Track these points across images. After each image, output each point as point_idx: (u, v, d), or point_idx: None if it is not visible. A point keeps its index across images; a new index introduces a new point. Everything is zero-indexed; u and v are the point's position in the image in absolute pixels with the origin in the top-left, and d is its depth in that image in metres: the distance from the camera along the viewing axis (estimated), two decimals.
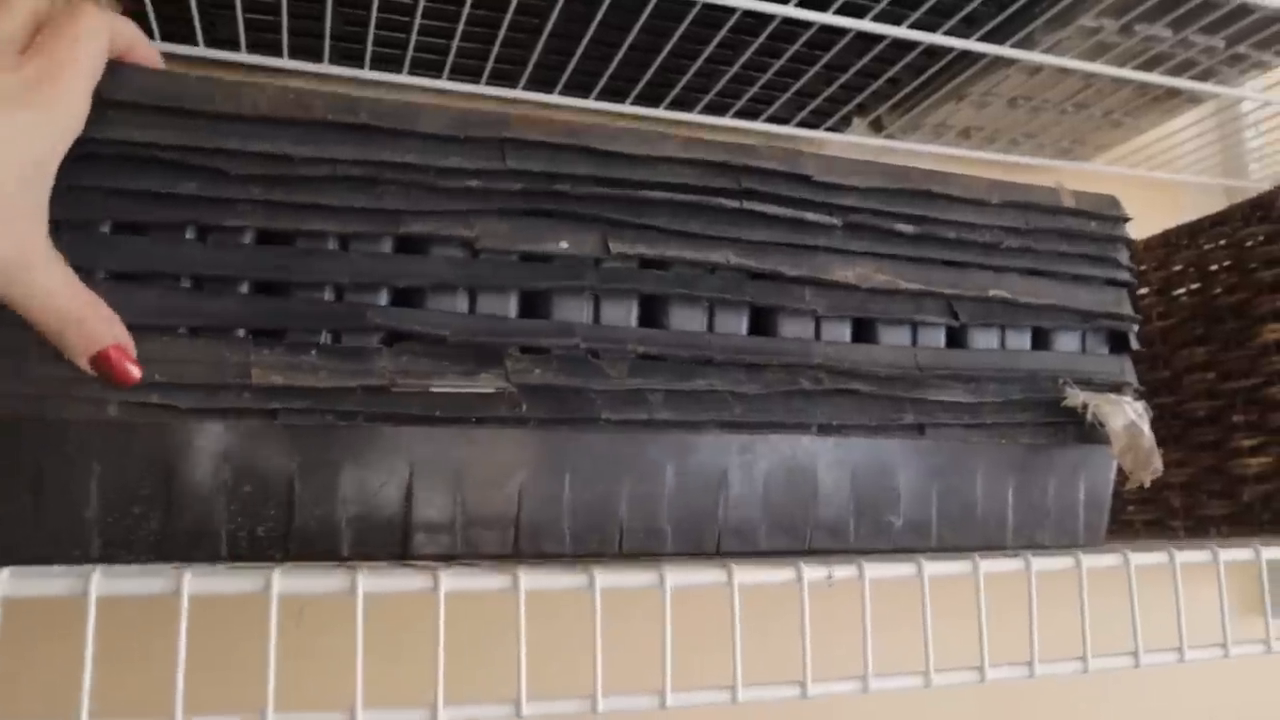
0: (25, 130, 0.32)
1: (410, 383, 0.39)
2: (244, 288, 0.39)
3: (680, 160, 0.44)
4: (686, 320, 0.44)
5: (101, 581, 0.32)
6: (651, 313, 0.44)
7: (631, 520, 0.43)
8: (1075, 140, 0.90)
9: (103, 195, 0.37)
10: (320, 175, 0.39)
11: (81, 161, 0.35)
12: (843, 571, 0.40)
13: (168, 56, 0.68)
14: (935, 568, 0.41)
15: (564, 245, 0.42)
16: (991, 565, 0.43)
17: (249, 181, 0.38)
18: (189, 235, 0.38)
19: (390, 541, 0.40)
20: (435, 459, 0.40)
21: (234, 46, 0.68)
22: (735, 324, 0.45)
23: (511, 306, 0.42)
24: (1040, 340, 0.52)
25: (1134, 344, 0.54)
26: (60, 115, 0.33)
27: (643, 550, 0.43)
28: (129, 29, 0.37)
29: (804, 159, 0.47)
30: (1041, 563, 0.44)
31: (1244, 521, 0.65)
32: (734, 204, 0.45)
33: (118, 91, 0.36)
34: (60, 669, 0.36)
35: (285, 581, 0.33)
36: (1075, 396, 0.50)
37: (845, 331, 0.48)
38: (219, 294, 0.38)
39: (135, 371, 0.35)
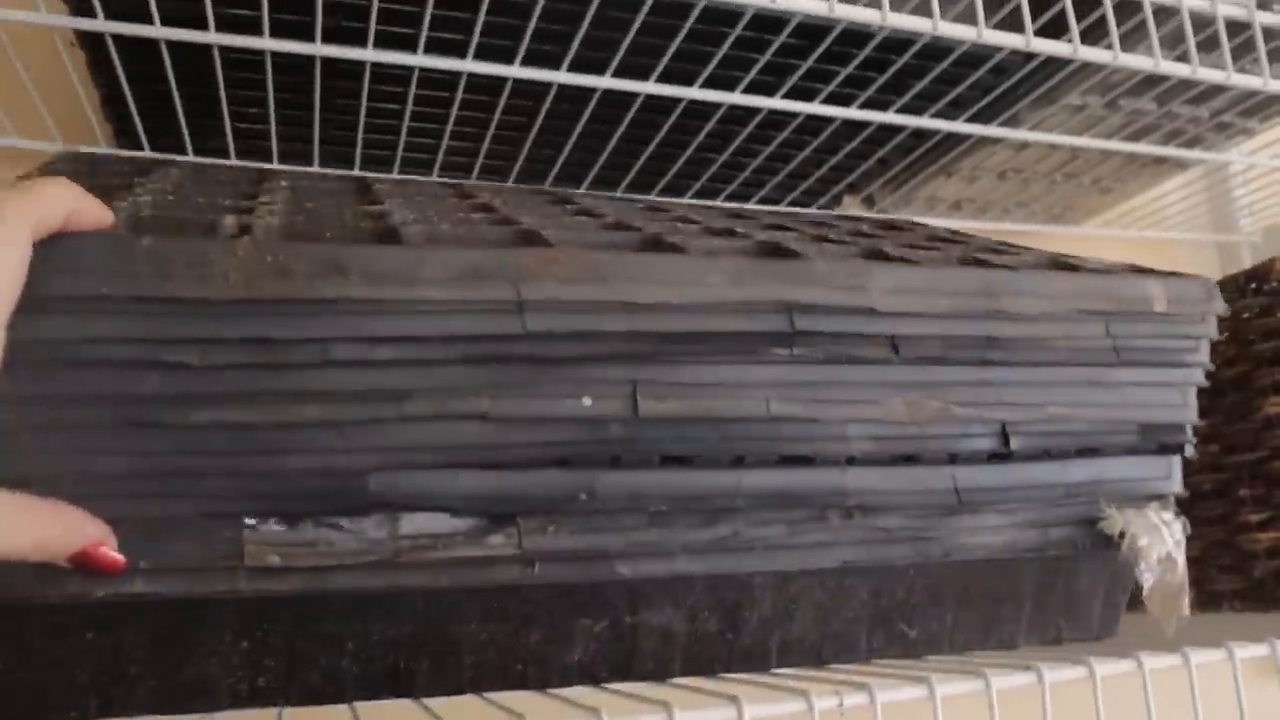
0: None
1: (416, 556, 0.36)
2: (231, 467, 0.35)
3: (725, 304, 0.39)
4: (712, 476, 0.40)
5: None
6: (675, 461, 0.40)
7: (641, 648, 0.42)
8: (1066, 206, 0.90)
9: (54, 402, 0.33)
10: (310, 361, 0.34)
11: (19, 368, 0.31)
12: (854, 699, 0.39)
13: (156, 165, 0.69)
14: (948, 688, 0.41)
15: (587, 403, 0.38)
16: (1004, 681, 0.42)
17: (223, 370, 0.34)
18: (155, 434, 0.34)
19: (394, 688, 0.39)
20: (441, 617, 0.39)
21: (223, 154, 0.68)
22: (764, 465, 0.41)
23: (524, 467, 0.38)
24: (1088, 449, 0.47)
25: (1189, 450, 0.49)
26: None
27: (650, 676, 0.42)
28: (59, 195, 0.31)
29: (867, 283, 0.41)
30: (1054, 674, 0.43)
31: (1256, 597, 0.64)
32: (784, 352, 0.40)
33: (51, 284, 0.31)
34: None
35: None
36: (1114, 521, 0.46)
37: (883, 464, 0.43)
38: (202, 478, 0.34)
39: (119, 560, 0.33)
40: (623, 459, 0.39)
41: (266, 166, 0.68)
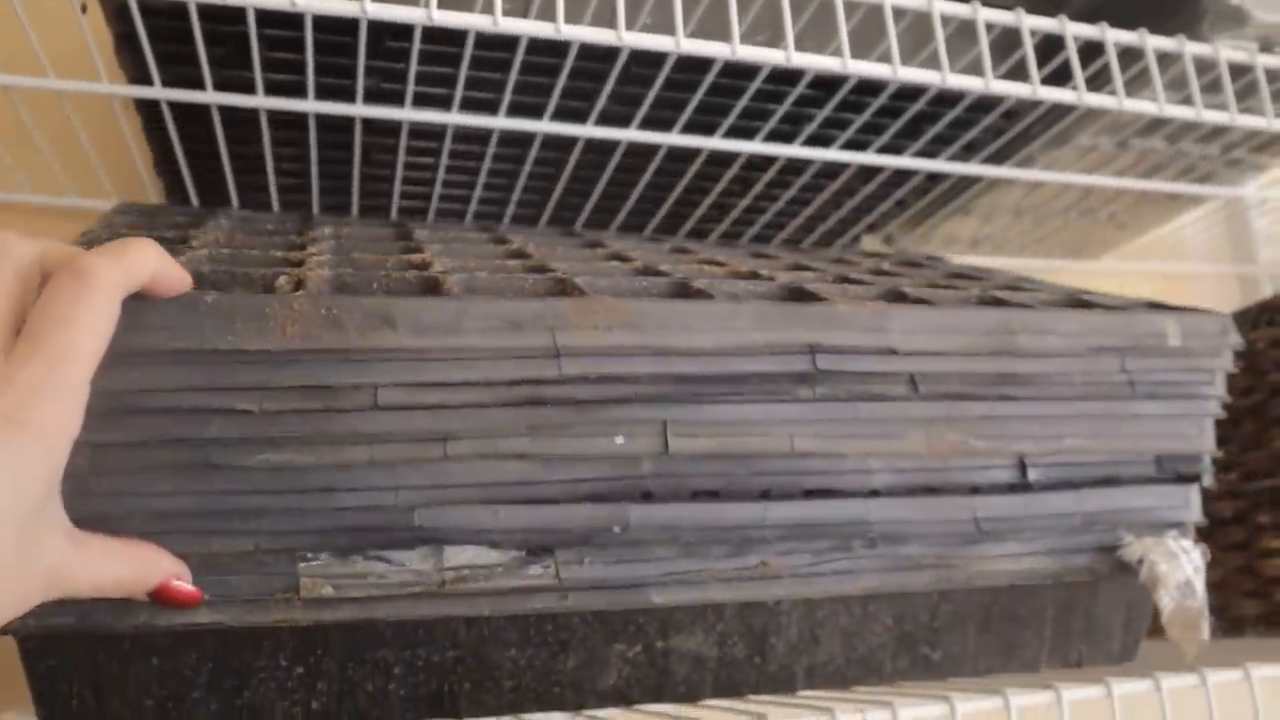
0: (19, 462, 0.28)
1: (459, 586, 0.39)
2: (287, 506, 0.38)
3: (752, 347, 0.41)
4: (739, 508, 0.42)
5: None
6: (704, 494, 0.42)
7: (673, 672, 0.44)
8: (1083, 242, 0.92)
9: (123, 447, 0.35)
10: (361, 405, 0.37)
11: (92, 416, 0.32)
12: (877, 715, 0.41)
13: None
14: (968, 706, 0.42)
15: (620, 441, 0.40)
16: (1024, 699, 0.44)
17: (280, 415, 0.36)
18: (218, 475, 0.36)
19: (438, 710, 0.41)
20: (482, 644, 0.41)
21: (267, 208, 0.71)
22: (789, 498, 0.43)
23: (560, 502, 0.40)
24: (1107, 479, 0.49)
25: (1207, 480, 0.50)
26: (61, 433, 0.29)
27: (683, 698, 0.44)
28: (146, 258, 0.33)
29: (888, 325, 0.43)
30: (1073, 694, 0.45)
31: (1278, 622, 0.65)
32: (808, 392, 0.43)
33: (125, 339, 0.33)
34: None
35: None
36: (1133, 549, 0.48)
37: (904, 495, 0.45)
38: (260, 516, 0.37)
39: (195, 592, 0.35)
40: (654, 493, 0.41)
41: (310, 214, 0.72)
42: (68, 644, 0.38)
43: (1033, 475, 0.47)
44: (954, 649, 0.49)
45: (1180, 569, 0.48)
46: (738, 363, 0.41)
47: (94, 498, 0.35)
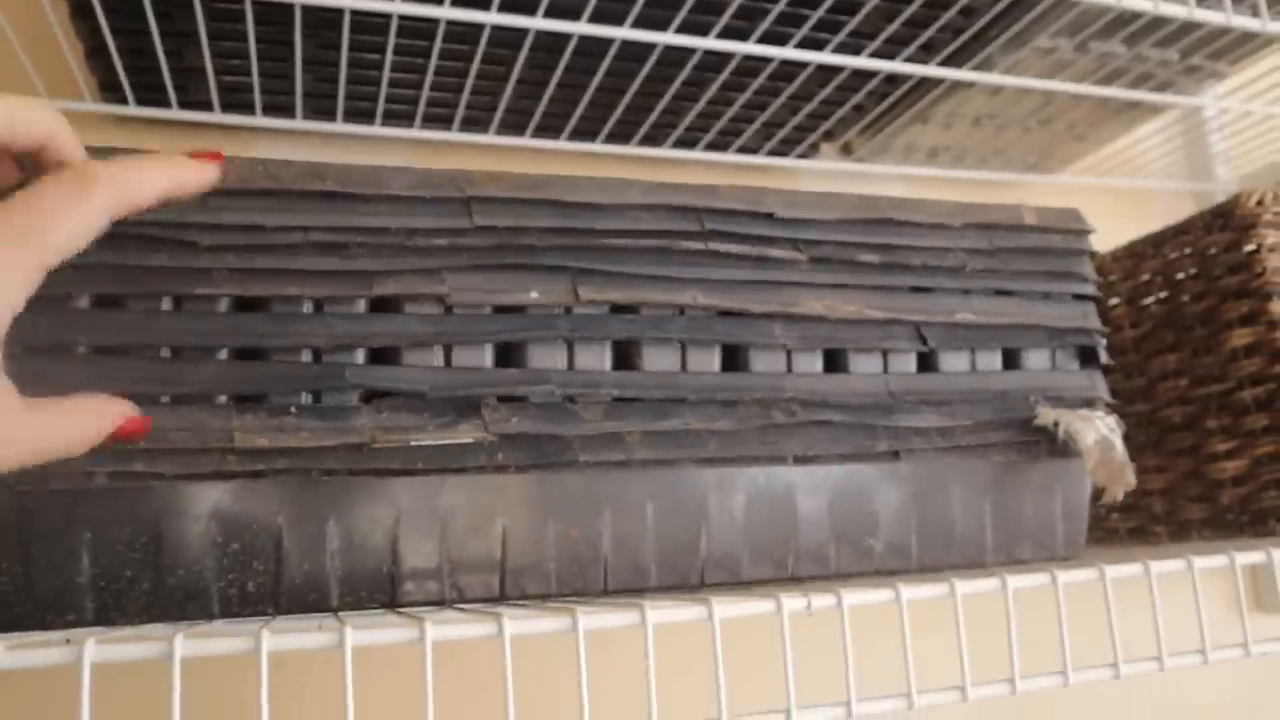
0: None
1: (391, 438, 0.40)
2: (223, 354, 0.40)
3: (644, 206, 0.45)
4: (659, 361, 0.45)
5: (95, 650, 0.32)
6: (624, 356, 0.45)
7: (616, 558, 0.44)
8: (1042, 154, 0.91)
9: (78, 271, 0.37)
10: (292, 242, 0.40)
11: None
12: (821, 600, 0.40)
13: (142, 121, 0.70)
14: (912, 592, 0.42)
15: (535, 295, 0.43)
16: (968, 586, 0.43)
17: (222, 251, 0.39)
18: (165, 306, 0.39)
19: (379, 590, 0.41)
20: (419, 509, 0.41)
21: (207, 108, 0.69)
22: (707, 362, 0.46)
23: (487, 358, 0.43)
24: (1010, 360, 0.53)
25: (1103, 358, 0.55)
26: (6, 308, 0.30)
27: (628, 587, 0.44)
28: (153, 186, 0.34)
29: (767, 197, 0.48)
30: (1018, 581, 0.45)
31: (1224, 524, 0.66)
32: (699, 245, 0.46)
33: None
34: None
35: (275, 640, 0.34)
36: (1046, 415, 0.51)
37: (816, 363, 0.48)
38: (198, 362, 0.39)
39: (147, 424, 0.35)
40: (574, 346, 0.44)
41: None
42: None
43: (932, 342, 0.50)
44: (896, 540, 0.49)
45: (1095, 429, 0.50)
46: (632, 217, 0.45)
47: (42, 318, 0.35)
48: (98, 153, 0.35)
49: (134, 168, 0.33)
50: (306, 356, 0.41)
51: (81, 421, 0.33)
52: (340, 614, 0.40)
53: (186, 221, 0.39)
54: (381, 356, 0.42)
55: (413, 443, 0.40)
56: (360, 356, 0.41)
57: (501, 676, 0.35)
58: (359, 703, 0.34)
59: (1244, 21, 0.66)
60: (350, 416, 0.40)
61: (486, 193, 0.43)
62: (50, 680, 0.36)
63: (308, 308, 0.41)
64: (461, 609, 0.41)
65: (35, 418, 0.32)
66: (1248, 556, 0.50)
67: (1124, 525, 0.75)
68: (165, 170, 0.34)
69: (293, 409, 0.40)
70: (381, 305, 0.42)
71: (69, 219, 0.31)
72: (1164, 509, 0.71)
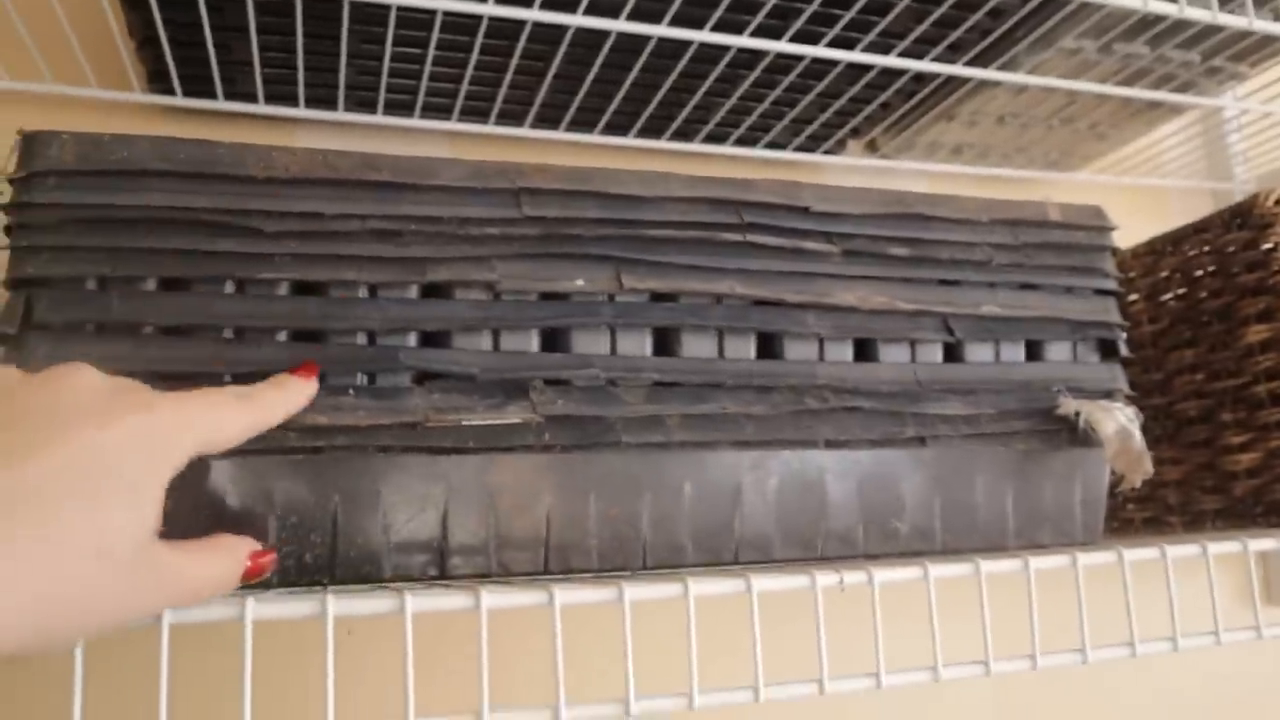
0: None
1: (443, 418, 0.42)
2: (283, 336, 0.42)
3: (685, 199, 0.48)
4: (697, 348, 0.47)
5: (171, 614, 0.34)
6: (664, 342, 0.47)
7: (654, 537, 0.45)
8: (1063, 152, 0.93)
9: (148, 255, 0.40)
10: (350, 230, 0.42)
11: (128, 224, 0.39)
12: (853, 577, 0.42)
13: (188, 111, 0.72)
14: (940, 570, 0.44)
15: (580, 283, 0.45)
16: (992, 566, 0.45)
17: (284, 237, 0.42)
18: (228, 290, 0.41)
19: (429, 564, 0.43)
20: (468, 486, 0.43)
21: (252, 99, 0.71)
22: (743, 349, 0.48)
23: (534, 342, 0.45)
24: (1034, 351, 0.55)
25: (1123, 351, 0.57)
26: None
27: (665, 564, 0.46)
28: (232, 425, 0.36)
29: (802, 191, 0.50)
30: (1040, 562, 0.47)
31: (1237, 515, 0.68)
32: (737, 237, 0.48)
33: (161, 163, 0.40)
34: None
35: (340, 605, 0.36)
36: (1068, 404, 0.53)
37: (847, 351, 0.50)
38: (260, 343, 0.41)
39: (272, 556, 0.37)
40: (616, 332, 0.46)
41: None
42: None
43: (959, 333, 0.52)
44: (921, 523, 0.50)
45: (1114, 419, 0.52)
46: (674, 209, 0.47)
47: (112, 299, 0.39)
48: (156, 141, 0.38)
49: (210, 406, 0.35)
50: (362, 339, 0.43)
51: (220, 565, 0.35)
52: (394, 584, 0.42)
53: (250, 209, 0.41)
54: (433, 340, 0.44)
55: (464, 422, 0.42)
56: (413, 340, 0.43)
57: (551, 644, 0.37)
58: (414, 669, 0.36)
59: (1266, 25, 0.68)
60: (404, 397, 0.42)
61: (535, 184, 0.45)
62: (131, 643, 0.38)
63: (363, 292, 0.43)
64: (508, 582, 0.43)
65: (178, 569, 0.33)
66: (1260, 543, 0.52)
67: (1140, 515, 0.77)
68: (245, 413, 0.36)
69: (350, 389, 0.42)
70: (433, 291, 0.44)
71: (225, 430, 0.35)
72: (1179, 500, 0.73)
